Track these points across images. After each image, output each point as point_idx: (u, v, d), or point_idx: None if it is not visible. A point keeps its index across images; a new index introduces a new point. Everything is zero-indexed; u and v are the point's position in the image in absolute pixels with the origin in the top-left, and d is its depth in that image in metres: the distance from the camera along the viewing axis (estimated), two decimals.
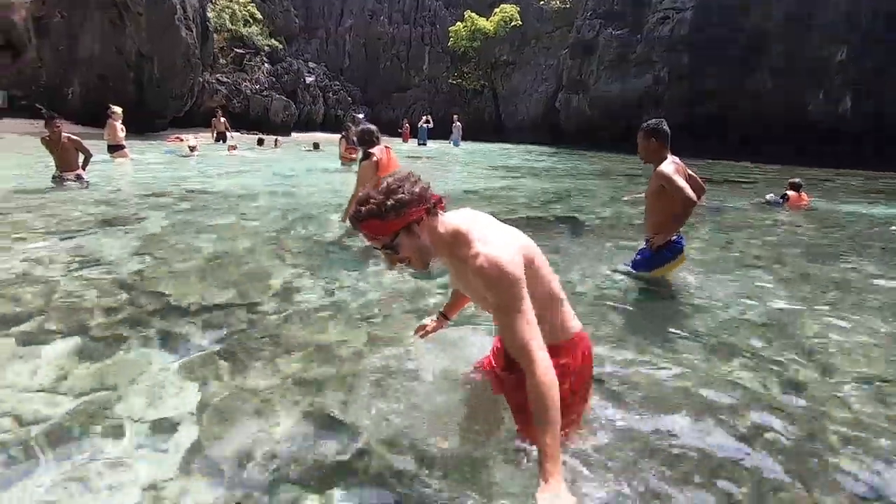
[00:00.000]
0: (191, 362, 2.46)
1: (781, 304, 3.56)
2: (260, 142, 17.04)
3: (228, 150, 15.24)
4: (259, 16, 31.01)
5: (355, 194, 5.19)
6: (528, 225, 5.98)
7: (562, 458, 1.36)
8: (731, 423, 2.05)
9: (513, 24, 32.35)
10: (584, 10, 27.66)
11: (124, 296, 3.30)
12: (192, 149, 14.06)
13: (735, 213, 7.82)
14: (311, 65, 33.61)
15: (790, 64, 19.76)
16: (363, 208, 1.47)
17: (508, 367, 1.72)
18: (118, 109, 10.33)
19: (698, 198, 3.46)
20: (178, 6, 20.19)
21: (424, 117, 25.37)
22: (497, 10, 32.60)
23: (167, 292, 3.37)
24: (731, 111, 21.06)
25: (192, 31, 20.84)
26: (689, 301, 3.57)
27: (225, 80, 26.79)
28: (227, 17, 29.21)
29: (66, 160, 7.25)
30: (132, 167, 10.26)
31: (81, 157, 7.37)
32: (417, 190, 1.49)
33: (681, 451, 1.85)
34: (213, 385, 2.24)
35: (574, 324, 1.69)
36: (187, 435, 1.89)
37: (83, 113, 19.36)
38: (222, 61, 28.04)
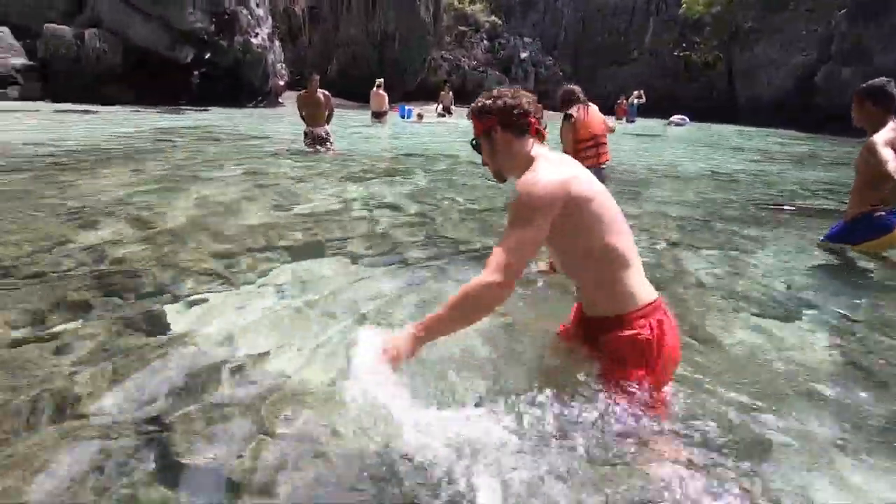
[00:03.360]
0: None
1: None
2: None
3: (438, 116, 17.63)
4: None
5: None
6: (816, 215, 5.00)
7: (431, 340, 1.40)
8: None
9: None
10: None
11: (413, 231, 3.76)
12: (420, 117, 15.75)
13: None
14: (527, 40, 33.77)
15: None
16: (472, 104, 1.63)
17: (586, 337, 1.61)
18: (381, 81, 12.01)
19: None
20: None
21: (636, 92, 23.37)
22: None
23: (445, 234, 3.73)
24: None
25: (429, 11, 22.71)
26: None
27: (448, 56, 28.72)
28: None
29: (317, 115, 7.54)
30: (387, 131, 11.86)
31: (327, 113, 7.65)
32: (508, 102, 1.54)
33: None
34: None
35: (643, 293, 1.48)
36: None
37: (338, 87, 22.85)
38: (447, 39, 30.08)
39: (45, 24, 14.07)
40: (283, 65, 20.96)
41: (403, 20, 22.15)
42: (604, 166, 5.30)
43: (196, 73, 16.37)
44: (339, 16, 24.63)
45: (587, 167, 5.19)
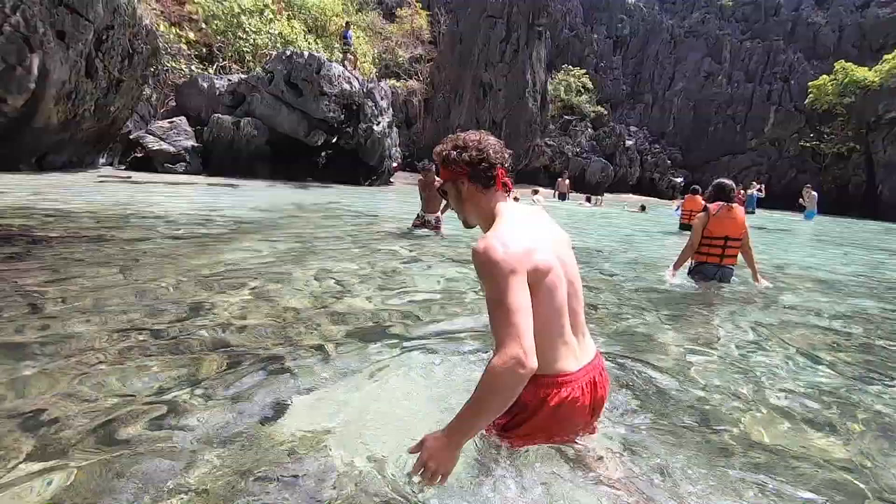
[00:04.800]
0: None
1: None
2: (588, 199, 18.43)
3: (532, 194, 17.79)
4: (590, 85, 33.31)
5: (686, 246, 5.10)
6: None
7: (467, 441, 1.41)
8: None
9: None
10: None
11: None
12: (515, 199, 16.19)
13: None
14: (633, 128, 33.82)
15: None
16: (438, 147, 1.59)
17: None
18: None
19: None
20: (528, 82, 23.52)
21: (755, 183, 22.11)
22: (890, 55, 25.92)
23: None
24: None
25: (536, 102, 23.83)
26: None
27: (551, 143, 29.53)
28: (563, 88, 32.45)
29: (432, 202, 7.74)
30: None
31: (444, 203, 7.66)
32: (474, 156, 1.51)
33: None
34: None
35: (561, 365, 1.51)
36: None
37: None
38: (551, 127, 31.12)
39: (213, 115, 16.90)
40: (398, 149, 22.88)
41: (512, 110, 23.40)
42: (729, 267, 5.15)
43: (323, 154, 18.40)
44: (451, 105, 26.77)
45: (707, 262, 5.00)
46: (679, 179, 31.26)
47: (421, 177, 7.91)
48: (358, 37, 25.11)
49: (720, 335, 3.69)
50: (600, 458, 1.73)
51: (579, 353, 1.55)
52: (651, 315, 4.09)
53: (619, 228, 11.86)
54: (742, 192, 22.71)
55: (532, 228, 1.49)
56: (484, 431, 1.63)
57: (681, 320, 4.00)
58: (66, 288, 3.54)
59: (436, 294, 4.28)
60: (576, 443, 1.70)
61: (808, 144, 28.57)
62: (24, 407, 1.97)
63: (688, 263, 5.27)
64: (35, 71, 11.06)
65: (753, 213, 20.71)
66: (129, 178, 13.48)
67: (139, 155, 16.08)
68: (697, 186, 11.74)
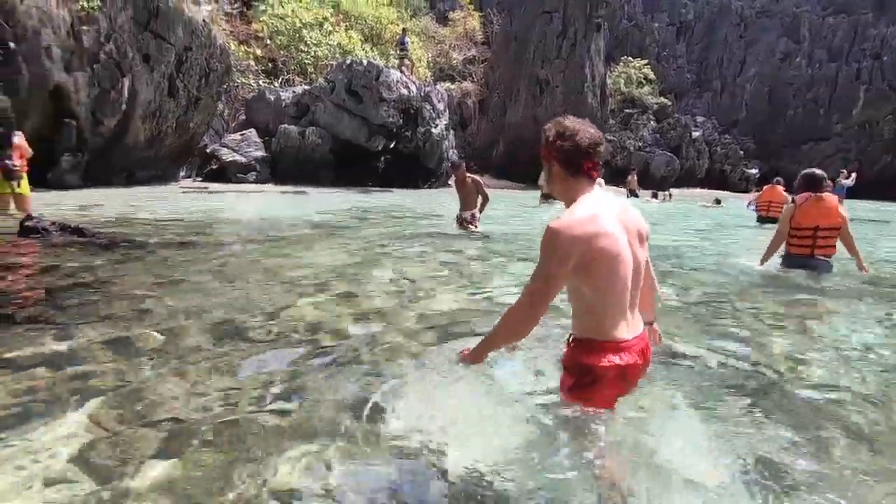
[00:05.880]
0: None
1: None
2: (654, 195, 17.78)
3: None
4: (652, 76, 31.87)
5: (774, 236, 5.17)
6: None
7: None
8: None
9: None
10: None
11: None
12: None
13: None
14: (700, 119, 32.03)
15: None
16: (546, 126, 1.78)
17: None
18: None
19: None
20: (587, 76, 22.86)
21: (843, 172, 20.15)
22: None
23: None
24: None
25: (595, 97, 23.11)
26: None
27: (611, 138, 28.48)
28: (623, 81, 31.27)
29: (467, 199, 7.70)
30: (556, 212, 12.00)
31: (480, 200, 7.64)
32: (565, 146, 1.67)
33: None
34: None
35: (618, 333, 1.70)
36: None
37: (503, 169, 24.07)
38: (612, 121, 30.05)
39: (280, 125, 17.71)
40: (455, 150, 22.97)
41: (571, 106, 22.80)
42: (820, 258, 5.01)
43: (383, 158, 18.79)
44: (507, 104, 26.50)
45: (795, 254, 4.81)
46: (754, 171, 29.25)
47: (452, 174, 7.88)
48: (413, 42, 25.47)
49: (828, 332, 3.35)
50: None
51: (632, 324, 1.76)
52: (751, 311, 3.79)
53: (694, 224, 11.22)
54: (829, 184, 20.86)
55: (604, 216, 1.65)
56: (560, 398, 1.92)
57: (784, 316, 3.68)
58: (169, 292, 3.77)
59: (512, 292, 4.19)
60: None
61: None
62: (152, 409, 2.08)
63: (779, 252, 5.20)
64: (126, 93, 12.06)
65: (842, 203, 19.02)
66: (207, 188, 14.37)
67: (214, 167, 17.13)
68: (780, 178, 10.94)
